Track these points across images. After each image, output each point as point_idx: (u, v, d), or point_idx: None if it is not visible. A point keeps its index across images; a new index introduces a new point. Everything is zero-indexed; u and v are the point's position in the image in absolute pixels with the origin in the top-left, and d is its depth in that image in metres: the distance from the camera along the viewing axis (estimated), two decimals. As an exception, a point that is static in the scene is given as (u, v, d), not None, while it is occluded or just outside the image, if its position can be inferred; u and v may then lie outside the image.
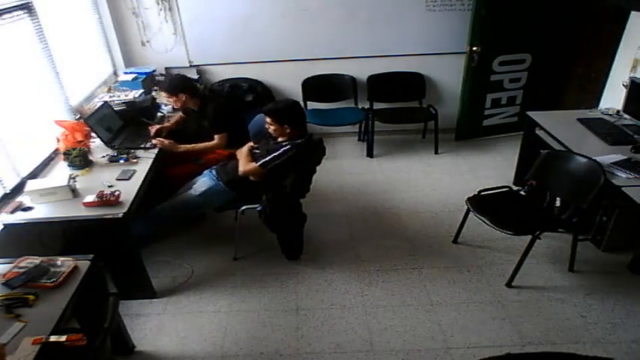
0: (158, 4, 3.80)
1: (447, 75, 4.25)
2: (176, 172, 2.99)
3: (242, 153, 2.73)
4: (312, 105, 4.25)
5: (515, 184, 3.36)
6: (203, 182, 2.78)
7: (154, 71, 3.93)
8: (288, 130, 2.59)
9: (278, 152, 2.56)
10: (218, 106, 3.02)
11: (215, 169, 2.83)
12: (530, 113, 3.23)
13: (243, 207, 2.74)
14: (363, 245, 2.99)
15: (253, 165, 2.61)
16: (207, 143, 3.01)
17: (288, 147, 2.56)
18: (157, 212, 2.76)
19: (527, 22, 3.88)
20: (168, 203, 2.79)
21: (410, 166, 4.00)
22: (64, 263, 1.83)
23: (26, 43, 2.72)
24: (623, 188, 2.29)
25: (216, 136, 2.99)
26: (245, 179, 2.65)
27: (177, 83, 3.02)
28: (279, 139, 2.65)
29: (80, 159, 2.62)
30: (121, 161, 2.71)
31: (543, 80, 4.17)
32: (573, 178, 2.54)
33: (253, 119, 3.23)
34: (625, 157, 2.54)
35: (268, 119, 2.61)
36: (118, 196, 2.29)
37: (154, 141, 2.90)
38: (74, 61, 3.25)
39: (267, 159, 2.57)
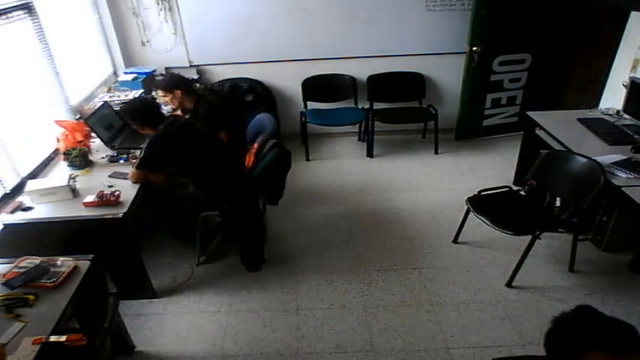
0: (158, 4, 3.80)
1: (447, 75, 4.25)
2: None
3: None
4: (312, 105, 4.25)
5: (515, 184, 3.36)
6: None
7: (154, 71, 3.93)
8: (141, 126, 2.53)
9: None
10: (210, 107, 2.99)
11: None
12: (530, 113, 3.23)
13: (204, 213, 2.73)
14: (363, 245, 2.99)
15: (132, 170, 2.50)
16: None
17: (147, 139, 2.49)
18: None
19: (527, 22, 3.88)
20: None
21: (410, 166, 4.00)
22: (64, 263, 1.83)
23: (26, 43, 2.72)
24: (623, 188, 2.29)
25: None
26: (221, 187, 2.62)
27: (172, 80, 3.01)
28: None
29: (80, 159, 2.63)
30: (121, 161, 2.71)
31: (543, 80, 4.17)
32: (573, 178, 2.53)
33: (253, 119, 3.23)
34: (625, 157, 2.54)
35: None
36: (118, 196, 2.29)
37: None
38: (74, 61, 3.25)
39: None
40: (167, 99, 3.00)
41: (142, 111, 2.52)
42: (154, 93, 3.62)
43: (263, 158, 2.63)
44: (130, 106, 2.59)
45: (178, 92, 2.95)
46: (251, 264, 2.80)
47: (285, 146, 2.68)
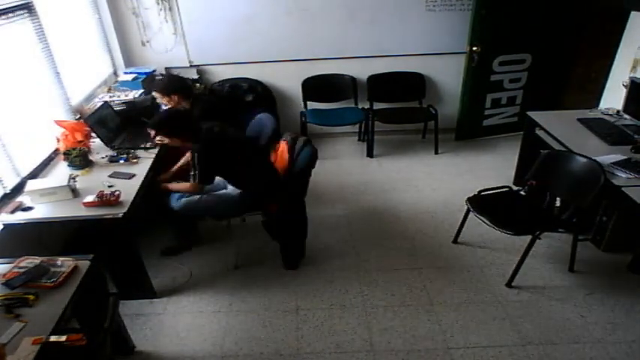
0: (158, 4, 3.80)
1: (447, 75, 4.25)
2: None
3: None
4: (312, 105, 4.25)
5: (515, 184, 3.36)
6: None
7: (154, 71, 3.93)
8: (183, 140, 2.51)
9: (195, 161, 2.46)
10: (204, 107, 2.97)
11: None
12: (530, 113, 3.23)
13: (245, 214, 2.73)
14: (363, 245, 2.99)
15: (189, 184, 2.50)
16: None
17: (195, 153, 2.45)
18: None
19: (527, 22, 3.88)
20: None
21: (410, 166, 4.00)
22: (64, 263, 1.83)
23: (26, 43, 2.72)
24: (623, 188, 2.28)
25: None
26: (266, 187, 2.62)
27: (171, 84, 3.01)
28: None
29: (80, 159, 2.63)
30: (121, 161, 2.71)
31: (543, 80, 4.17)
32: (573, 178, 2.53)
33: (253, 119, 3.23)
34: (625, 157, 2.54)
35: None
36: (118, 196, 2.29)
37: None
38: (74, 61, 3.25)
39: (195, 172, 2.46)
40: (164, 100, 3.01)
41: (180, 124, 2.49)
42: (154, 93, 3.62)
43: (297, 156, 2.63)
44: (164, 118, 2.53)
45: (175, 97, 2.96)
46: (293, 262, 2.80)
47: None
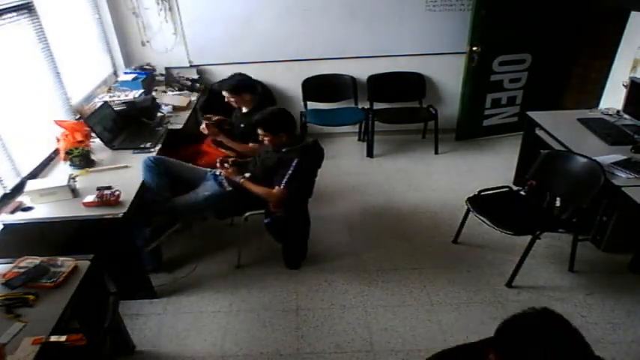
0: (158, 4, 3.80)
1: (447, 75, 4.25)
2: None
3: (248, 183, 2.56)
4: (312, 105, 4.25)
5: (515, 184, 3.36)
6: (210, 186, 2.69)
7: (153, 71, 3.93)
8: (284, 139, 2.51)
9: (292, 169, 2.45)
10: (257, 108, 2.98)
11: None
12: (530, 113, 3.23)
13: (247, 214, 2.72)
14: (363, 245, 3.00)
15: (277, 189, 2.47)
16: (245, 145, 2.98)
17: (297, 160, 2.45)
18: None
19: (527, 22, 3.88)
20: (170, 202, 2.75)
21: (410, 166, 4.00)
22: (64, 263, 1.83)
23: (27, 43, 2.72)
24: (623, 188, 2.28)
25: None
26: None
27: (246, 83, 3.03)
28: (282, 149, 2.54)
29: (81, 159, 2.63)
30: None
31: (543, 80, 4.17)
32: (573, 178, 2.53)
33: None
34: (625, 157, 2.54)
35: (261, 131, 2.51)
36: (118, 196, 2.29)
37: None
38: (74, 61, 3.25)
39: (286, 179, 2.45)
40: (232, 100, 3.01)
41: (282, 118, 2.54)
42: (154, 93, 3.62)
43: None
44: (269, 114, 2.56)
45: (247, 96, 3.00)
46: (295, 262, 2.80)
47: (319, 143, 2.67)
